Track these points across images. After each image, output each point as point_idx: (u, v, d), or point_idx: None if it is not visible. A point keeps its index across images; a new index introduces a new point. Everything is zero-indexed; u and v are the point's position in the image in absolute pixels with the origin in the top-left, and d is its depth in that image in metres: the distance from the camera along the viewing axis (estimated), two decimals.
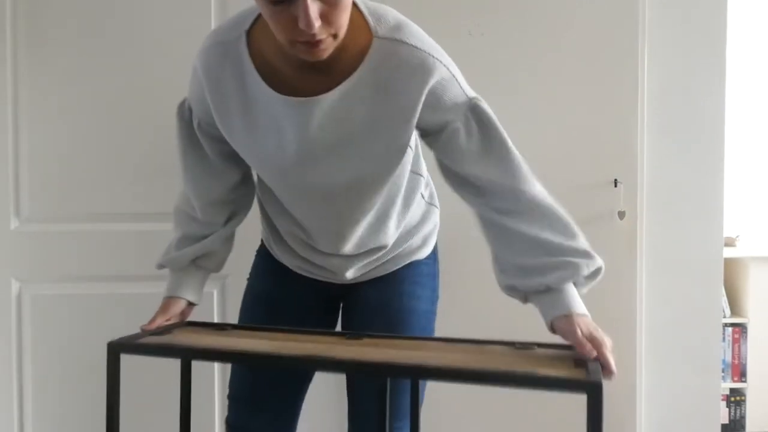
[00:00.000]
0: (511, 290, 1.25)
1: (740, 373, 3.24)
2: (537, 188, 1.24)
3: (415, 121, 1.18)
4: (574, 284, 1.20)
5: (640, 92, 2.04)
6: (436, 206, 1.52)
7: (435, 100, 1.17)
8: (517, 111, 2.04)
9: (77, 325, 2.07)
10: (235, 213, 1.44)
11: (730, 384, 3.22)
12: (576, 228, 1.23)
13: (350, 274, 1.41)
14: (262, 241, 1.54)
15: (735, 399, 3.23)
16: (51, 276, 2.08)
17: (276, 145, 1.20)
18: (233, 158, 1.33)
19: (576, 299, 1.18)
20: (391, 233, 1.38)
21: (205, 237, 1.40)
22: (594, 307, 2.07)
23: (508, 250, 1.22)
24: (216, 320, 2.09)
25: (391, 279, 1.42)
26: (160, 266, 1.41)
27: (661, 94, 2.10)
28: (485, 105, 1.24)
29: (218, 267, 1.45)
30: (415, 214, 1.43)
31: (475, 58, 2.01)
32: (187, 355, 1.18)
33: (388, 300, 1.40)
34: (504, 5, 2.04)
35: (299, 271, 1.46)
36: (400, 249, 1.43)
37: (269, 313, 1.45)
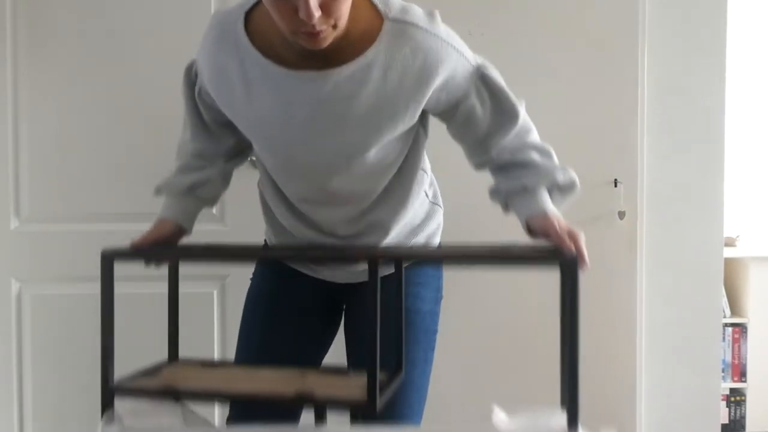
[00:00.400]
0: (494, 194, 1.33)
1: (740, 373, 3.24)
2: (536, 135, 1.33)
3: (423, 102, 1.20)
4: (550, 194, 1.26)
5: (640, 92, 2.04)
6: (439, 206, 1.52)
7: (446, 82, 1.21)
8: None
9: (77, 325, 2.07)
10: (234, 158, 1.46)
11: (730, 384, 3.22)
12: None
13: (351, 270, 1.41)
14: (265, 241, 1.54)
15: (735, 399, 3.23)
16: (51, 276, 2.08)
17: (283, 120, 1.21)
18: (229, 126, 1.35)
19: (550, 203, 1.25)
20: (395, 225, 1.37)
21: (204, 168, 1.40)
22: (594, 307, 2.08)
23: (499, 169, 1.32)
24: (216, 320, 2.09)
25: (393, 279, 1.40)
26: (157, 190, 1.40)
27: (661, 94, 2.10)
28: (491, 70, 1.29)
29: (214, 199, 1.44)
30: (418, 212, 1.43)
31: None
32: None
33: (390, 299, 1.38)
34: (504, 5, 2.04)
35: (302, 269, 1.46)
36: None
37: (270, 313, 1.45)
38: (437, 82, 1.19)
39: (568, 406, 0.98)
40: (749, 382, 3.23)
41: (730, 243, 3.18)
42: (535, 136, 1.31)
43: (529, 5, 2.03)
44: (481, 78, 1.26)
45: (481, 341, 2.04)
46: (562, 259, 1.03)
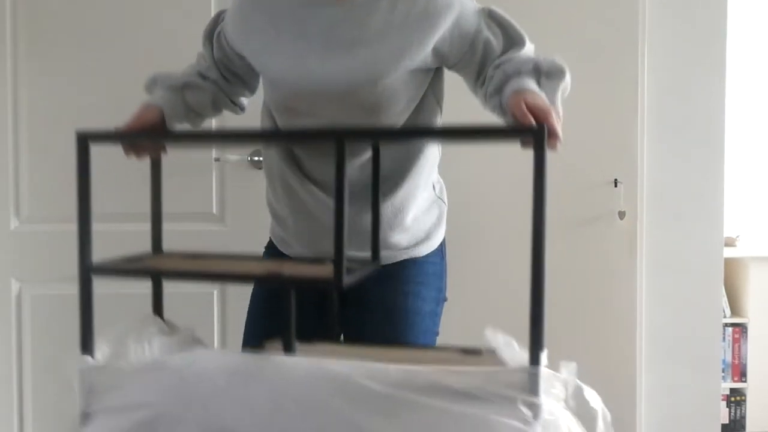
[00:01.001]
0: (486, 99, 1.31)
1: (740, 373, 3.24)
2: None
3: (431, 42, 1.26)
4: (539, 82, 1.23)
5: (640, 92, 2.04)
6: (444, 202, 1.51)
7: (456, 23, 1.28)
8: None
9: (77, 325, 2.07)
10: (232, 91, 1.49)
11: (730, 384, 3.22)
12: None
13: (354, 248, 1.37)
14: (270, 239, 1.54)
15: (735, 399, 3.23)
16: (51, 276, 2.08)
17: (301, 48, 1.28)
18: (238, 76, 1.44)
19: (532, 84, 1.20)
20: (400, 200, 1.37)
21: (202, 81, 1.43)
22: (594, 307, 2.08)
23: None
24: (216, 320, 2.09)
25: (396, 278, 1.39)
26: (151, 80, 1.42)
27: (661, 94, 2.10)
28: (496, 8, 1.35)
29: (199, 112, 1.43)
30: (423, 200, 1.42)
31: None
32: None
33: (392, 299, 1.38)
34: (504, 5, 2.03)
35: (300, 254, 1.44)
36: (405, 234, 1.40)
37: (270, 307, 1.43)
38: (444, 25, 1.26)
39: (532, 313, 1.05)
40: (749, 382, 3.23)
41: (730, 243, 3.18)
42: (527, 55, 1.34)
43: (530, 6, 2.03)
44: (489, 14, 1.33)
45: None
46: (532, 130, 1.02)
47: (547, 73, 1.24)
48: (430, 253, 1.45)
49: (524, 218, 2.16)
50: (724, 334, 3.17)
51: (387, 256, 1.38)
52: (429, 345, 1.36)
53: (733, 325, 3.23)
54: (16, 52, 2.06)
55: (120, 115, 2.07)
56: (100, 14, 2.06)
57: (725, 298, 3.19)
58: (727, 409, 3.22)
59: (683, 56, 2.10)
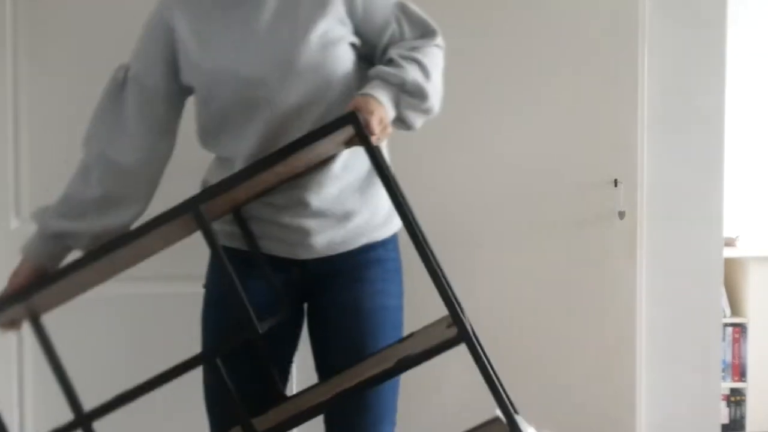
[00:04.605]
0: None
1: (740, 373, 3.24)
2: (431, 59, 1.36)
3: (329, 12, 1.31)
4: (399, 96, 1.29)
5: (640, 92, 2.04)
6: None
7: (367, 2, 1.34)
8: (518, 111, 2.04)
9: (77, 326, 2.07)
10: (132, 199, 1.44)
11: (730, 384, 3.22)
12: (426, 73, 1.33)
13: (312, 224, 1.37)
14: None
15: (735, 399, 3.23)
16: None
17: (221, 37, 1.33)
18: (156, 126, 1.41)
19: (379, 93, 1.26)
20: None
21: (94, 209, 1.42)
22: (594, 306, 2.08)
23: None
24: None
25: (362, 279, 1.42)
26: (33, 217, 1.44)
27: (661, 94, 2.09)
28: (411, 3, 1.39)
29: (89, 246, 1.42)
30: (379, 188, 1.41)
31: (475, 58, 2.01)
32: None
33: (360, 299, 1.41)
34: (504, 5, 2.04)
35: (263, 249, 1.41)
36: (364, 215, 1.40)
37: (226, 320, 1.40)
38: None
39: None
40: (749, 382, 3.23)
41: (730, 243, 3.18)
42: (428, 58, 1.35)
43: (530, 6, 2.03)
44: (402, 8, 1.37)
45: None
46: (339, 123, 1.13)
47: (409, 92, 1.29)
48: (390, 248, 1.46)
49: (523, 218, 2.17)
50: (724, 334, 3.17)
51: (349, 240, 1.40)
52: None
53: (733, 325, 3.23)
54: (16, 53, 2.05)
55: None
56: (101, 14, 2.05)
57: (725, 298, 3.19)
58: (727, 409, 3.22)
59: (683, 56, 2.10)
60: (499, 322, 2.04)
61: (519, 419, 1.16)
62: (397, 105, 1.29)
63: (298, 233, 1.37)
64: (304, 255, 1.40)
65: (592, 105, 2.03)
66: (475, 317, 2.02)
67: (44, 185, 2.08)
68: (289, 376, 1.53)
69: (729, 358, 3.23)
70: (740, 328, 3.24)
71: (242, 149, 1.34)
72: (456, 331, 1.14)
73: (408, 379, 1.33)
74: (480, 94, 2.03)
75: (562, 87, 2.03)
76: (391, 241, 1.46)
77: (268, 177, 1.22)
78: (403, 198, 1.24)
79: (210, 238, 1.07)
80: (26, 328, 2.09)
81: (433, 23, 1.39)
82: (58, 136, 2.07)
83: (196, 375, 1.40)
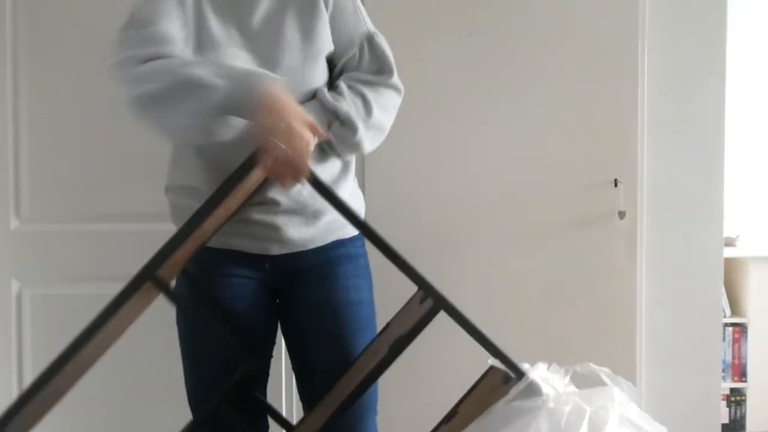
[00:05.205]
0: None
1: (740, 373, 3.24)
2: (380, 98, 1.41)
3: (319, 13, 1.37)
4: (332, 122, 1.36)
5: (640, 92, 2.04)
6: (361, 193, 1.57)
7: (333, 16, 1.39)
8: (517, 111, 2.04)
9: (77, 325, 2.06)
10: None
11: (730, 384, 3.22)
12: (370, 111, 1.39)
13: (282, 220, 1.39)
14: None
15: (735, 399, 3.23)
16: (51, 276, 2.08)
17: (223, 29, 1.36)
18: None
19: (311, 111, 1.32)
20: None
21: None
22: (594, 307, 2.08)
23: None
24: None
25: (334, 276, 1.44)
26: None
27: (661, 94, 2.09)
28: (381, 38, 1.44)
29: None
30: (349, 183, 1.48)
31: (475, 59, 2.01)
32: None
33: (334, 295, 1.44)
34: (504, 5, 2.04)
35: (234, 245, 1.42)
36: (333, 213, 1.38)
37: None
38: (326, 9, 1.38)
39: None
40: (749, 382, 3.22)
41: (730, 243, 3.18)
42: (377, 96, 1.39)
43: (529, 6, 2.03)
44: (369, 39, 1.42)
45: None
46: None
47: (341, 121, 1.35)
48: (359, 245, 1.50)
49: (523, 218, 2.17)
50: (724, 334, 3.17)
51: (320, 234, 1.43)
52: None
53: (733, 325, 3.23)
54: (16, 52, 2.05)
55: (120, 115, 2.07)
56: (101, 14, 2.05)
57: (725, 298, 3.19)
58: (727, 409, 3.22)
59: (683, 56, 2.10)
60: (498, 322, 2.04)
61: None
62: (328, 129, 1.34)
63: (268, 229, 1.39)
64: (274, 250, 1.42)
65: (592, 105, 2.03)
66: (474, 317, 2.03)
67: (44, 185, 2.08)
68: (269, 372, 1.54)
69: (729, 358, 3.23)
70: (740, 328, 3.24)
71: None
72: (432, 302, 1.18)
73: (388, 372, 1.35)
74: (479, 94, 2.03)
75: (562, 87, 2.03)
76: (359, 239, 1.49)
77: (223, 213, 1.25)
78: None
79: (174, 298, 1.07)
80: (26, 330, 2.10)
81: (392, 63, 1.43)
82: (58, 136, 2.07)
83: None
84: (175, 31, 1.32)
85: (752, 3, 3.39)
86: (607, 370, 1.18)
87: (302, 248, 1.42)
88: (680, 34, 2.10)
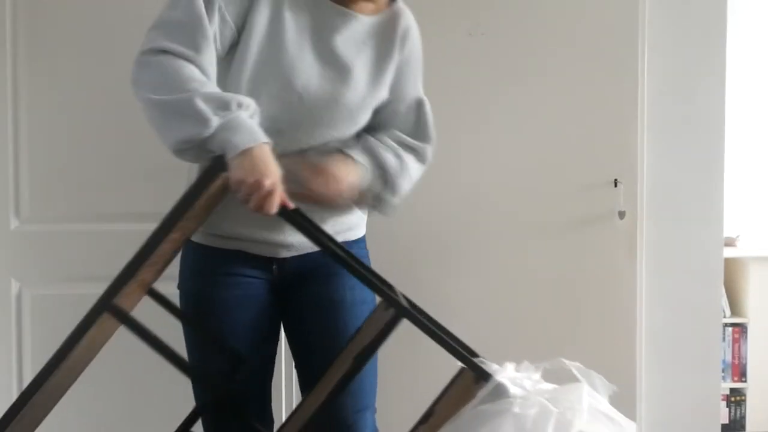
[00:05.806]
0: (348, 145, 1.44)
1: (740, 373, 3.24)
2: (414, 165, 1.46)
3: (392, 59, 1.41)
4: (385, 180, 1.40)
5: (640, 92, 2.04)
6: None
7: (405, 64, 1.44)
8: (517, 111, 2.04)
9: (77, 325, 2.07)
10: None
11: (730, 384, 3.22)
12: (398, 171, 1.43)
13: (288, 229, 1.38)
14: (193, 249, 1.49)
15: (735, 399, 3.23)
16: (51, 276, 2.08)
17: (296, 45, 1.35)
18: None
19: (354, 162, 1.38)
20: None
21: None
22: (594, 307, 2.08)
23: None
24: None
25: (338, 274, 1.45)
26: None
27: (661, 94, 2.09)
28: (428, 105, 1.48)
29: None
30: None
31: (475, 59, 2.01)
32: None
33: (339, 291, 1.46)
34: (504, 5, 2.04)
35: (241, 245, 1.43)
36: (337, 218, 1.45)
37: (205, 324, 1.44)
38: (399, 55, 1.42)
39: None
40: (749, 382, 3.23)
41: (730, 243, 3.18)
42: (410, 163, 1.44)
43: (529, 6, 2.03)
44: (419, 103, 1.47)
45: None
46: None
47: (392, 177, 1.40)
48: (362, 246, 1.54)
49: (523, 218, 2.17)
50: (724, 334, 3.17)
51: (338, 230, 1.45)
52: None
53: (733, 325, 3.23)
54: (16, 52, 2.05)
55: (120, 115, 2.08)
56: (101, 14, 2.05)
57: (725, 298, 3.19)
58: (727, 409, 3.22)
59: (683, 56, 2.10)
60: (498, 322, 2.05)
61: (480, 360, 1.21)
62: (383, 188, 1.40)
63: (276, 233, 1.41)
64: (282, 253, 1.44)
65: (592, 105, 2.03)
66: (474, 317, 2.03)
67: (44, 185, 2.08)
68: (272, 373, 1.55)
69: (729, 358, 3.24)
70: (740, 328, 3.24)
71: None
72: (393, 311, 1.19)
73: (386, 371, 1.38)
74: (479, 94, 2.03)
75: (562, 87, 2.03)
76: (363, 241, 1.53)
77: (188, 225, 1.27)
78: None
79: (137, 328, 1.08)
80: (26, 330, 2.10)
81: (433, 134, 1.47)
82: (58, 136, 2.07)
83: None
84: (210, 40, 1.33)
85: (752, 3, 3.39)
86: (578, 364, 1.17)
87: (309, 250, 1.44)
88: (680, 34, 2.10)
